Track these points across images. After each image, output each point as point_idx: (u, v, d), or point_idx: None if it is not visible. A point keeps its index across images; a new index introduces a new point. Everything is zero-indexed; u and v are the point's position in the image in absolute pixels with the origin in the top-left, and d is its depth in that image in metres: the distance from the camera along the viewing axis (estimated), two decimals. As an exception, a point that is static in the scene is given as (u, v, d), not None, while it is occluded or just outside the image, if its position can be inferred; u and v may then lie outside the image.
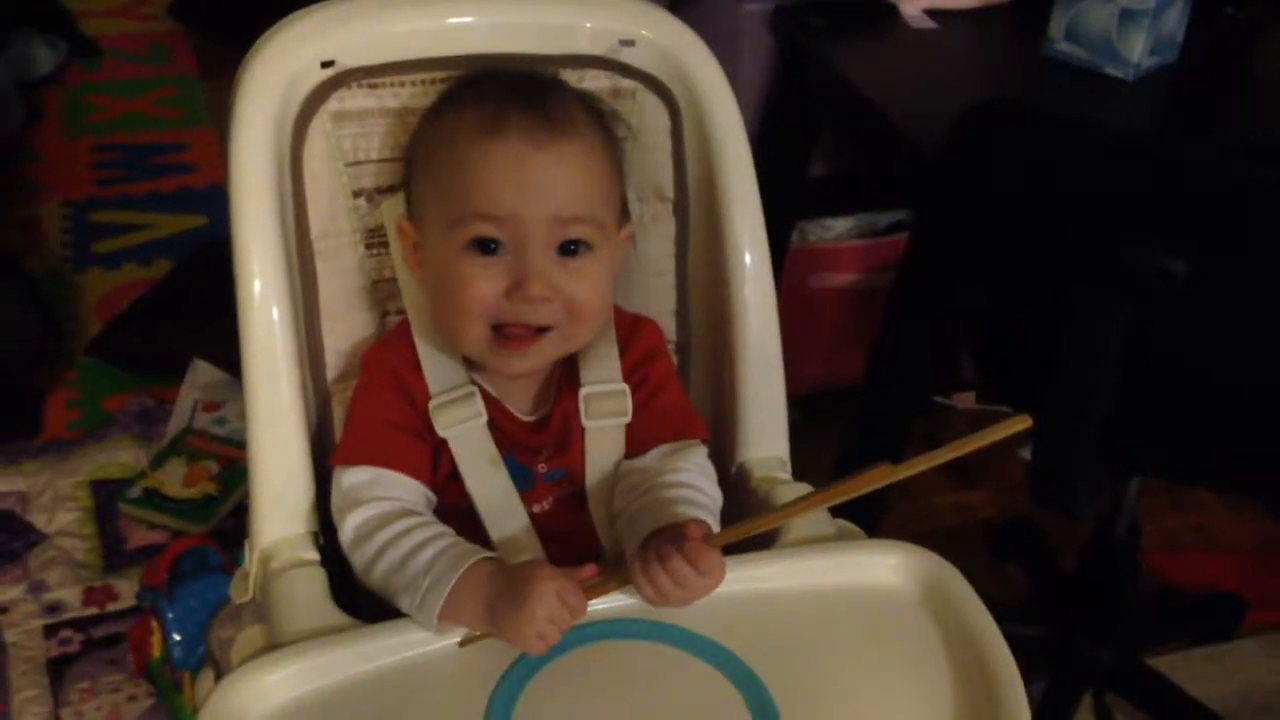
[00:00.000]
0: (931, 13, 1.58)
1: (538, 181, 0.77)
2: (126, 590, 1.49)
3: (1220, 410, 1.12)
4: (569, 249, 0.78)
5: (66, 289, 2.04)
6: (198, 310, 1.87)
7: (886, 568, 0.80)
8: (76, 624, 1.45)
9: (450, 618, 0.72)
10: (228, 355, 1.76)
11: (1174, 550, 1.66)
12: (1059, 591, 1.54)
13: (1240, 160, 1.11)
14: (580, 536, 0.84)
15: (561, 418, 0.85)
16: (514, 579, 0.71)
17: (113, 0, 3.04)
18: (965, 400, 1.92)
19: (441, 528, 0.78)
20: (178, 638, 1.30)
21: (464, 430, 0.82)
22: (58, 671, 1.39)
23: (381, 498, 0.78)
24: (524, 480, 0.83)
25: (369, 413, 0.83)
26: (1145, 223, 1.06)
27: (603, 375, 0.85)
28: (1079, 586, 1.48)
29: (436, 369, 0.83)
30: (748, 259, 0.92)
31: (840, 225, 1.75)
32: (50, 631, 1.44)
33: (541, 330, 0.80)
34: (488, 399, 0.83)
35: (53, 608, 1.47)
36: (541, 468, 0.84)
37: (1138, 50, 1.39)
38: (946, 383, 1.87)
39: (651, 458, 0.84)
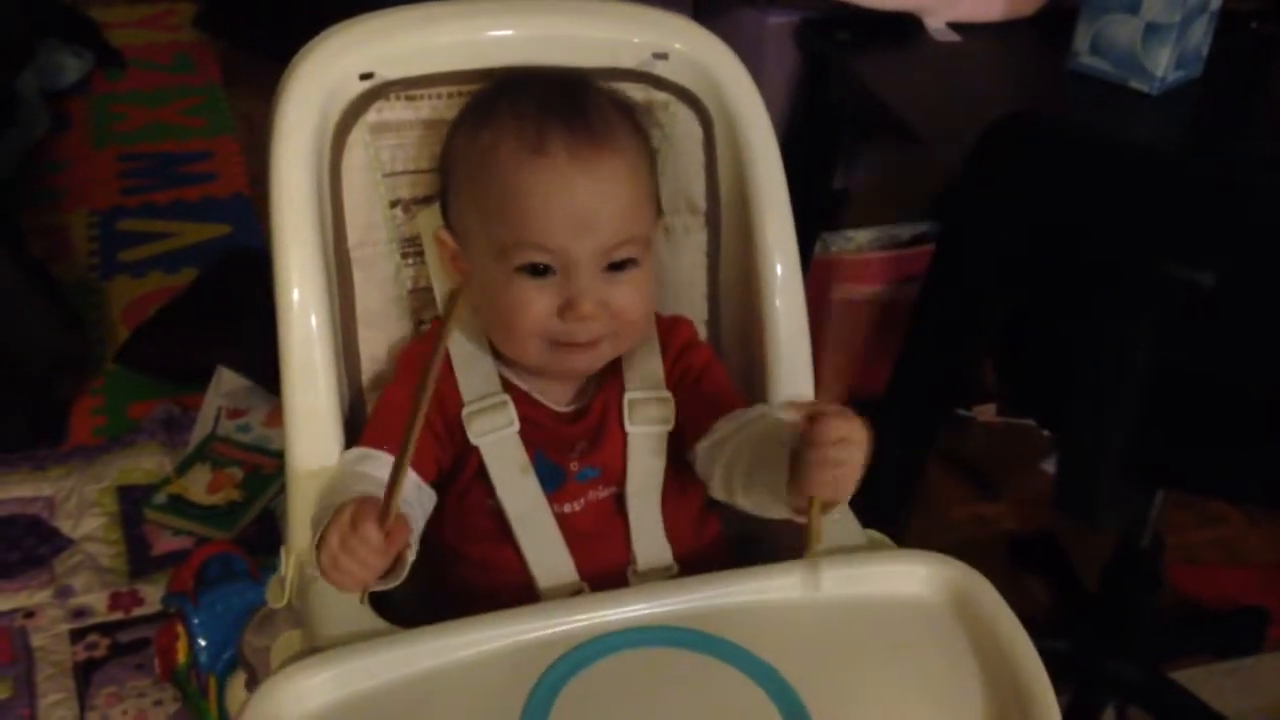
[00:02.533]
0: (956, 26, 1.59)
1: (586, 212, 0.78)
2: (152, 595, 1.50)
3: (1247, 423, 1.12)
4: (616, 266, 0.80)
5: (93, 296, 2.06)
6: (222, 318, 1.89)
7: (917, 578, 0.81)
8: (103, 628, 1.46)
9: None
10: (252, 363, 1.81)
11: (1196, 564, 1.66)
12: (1081, 605, 1.54)
13: (1266, 173, 1.11)
14: (611, 542, 0.84)
15: (599, 412, 0.85)
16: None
17: (139, 11, 3.07)
18: (985, 413, 1.92)
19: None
20: (203, 643, 1.31)
21: (496, 438, 0.83)
22: (84, 676, 1.40)
23: (357, 473, 0.79)
24: (555, 479, 0.84)
25: (390, 400, 0.85)
26: (1172, 236, 1.07)
27: (647, 380, 0.86)
28: (1101, 600, 1.48)
29: (470, 376, 0.84)
30: (779, 269, 0.92)
31: (862, 237, 1.76)
32: (77, 636, 1.45)
33: (593, 341, 0.82)
34: (522, 396, 0.84)
35: (79, 612, 1.48)
36: (574, 465, 0.85)
37: (1162, 64, 1.40)
38: (968, 395, 1.88)
39: (718, 425, 0.84)
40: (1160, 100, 1.41)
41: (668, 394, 0.86)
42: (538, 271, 0.79)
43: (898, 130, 1.41)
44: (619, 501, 0.85)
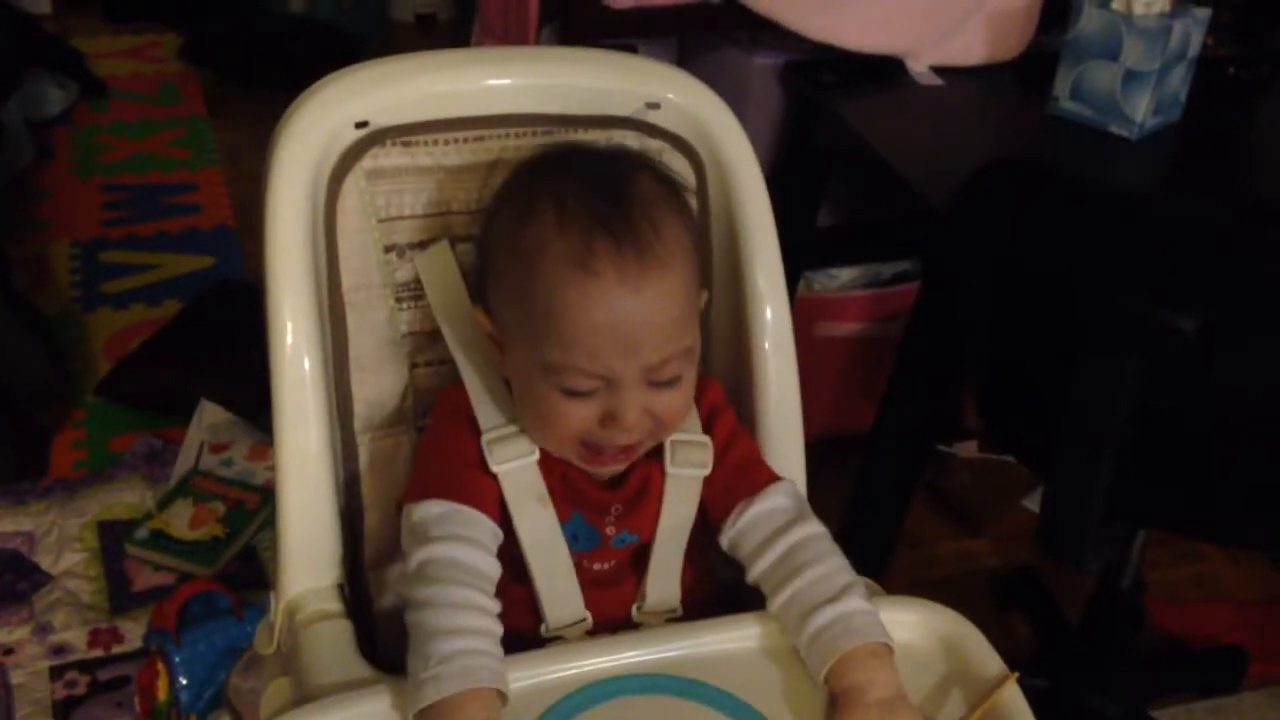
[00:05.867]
0: (938, 69, 1.61)
1: (633, 334, 0.76)
2: (133, 632, 1.49)
3: (1228, 465, 1.14)
4: (660, 383, 0.79)
5: (75, 328, 2.05)
6: (205, 351, 1.89)
7: (907, 625, 0.81)
8: (83, 665, 1.45)
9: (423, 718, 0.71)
10: (235, 396, 1.80)
11: (1176, 601, 1.67)
12: (1063, 642, 1.55)
13: (1245, 219, 1.13)
14: (625, 586, 0.85)
15: (641, 477, 0.85)
16: None
17: (123, 42, 3.07)
18: (967, 449, 1.93)
19: (486, 620, 0.76)
20: (185, 681, 1.30)
21: (515, 467, 0.82)
22: (64, 713, 1.39)
23: (454, 536, 0.78)
24: (591, 541, 0.84)
25: (442, 447, 0.83)
26: (1153, 279, 1.08)
27: (687, 425, 0.86)
28: (1083, 637, 1.49)
29: (486, 404, 0.84)
30: (769, 313, 0.93)
31: (846, 275, 1.77)
32: (56, 673, 1.44)
33: (632, 446, 0.82)
34: (559, 459, 0.84)
35: (59, 649, 1.47)
36: (610, 530, 0.84)
37: (1142, 109, 1.42)
38: (950, 431, 1.89)
39: (752, 518, 0.84)
40: (1140, 145, 1.44)
41: (706, 439, 0.86)
42: (582, 393, 0.78)
43: (882, 172, 1.42)
44: (644, 549, 0.85)
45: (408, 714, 0.72)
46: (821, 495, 0.91)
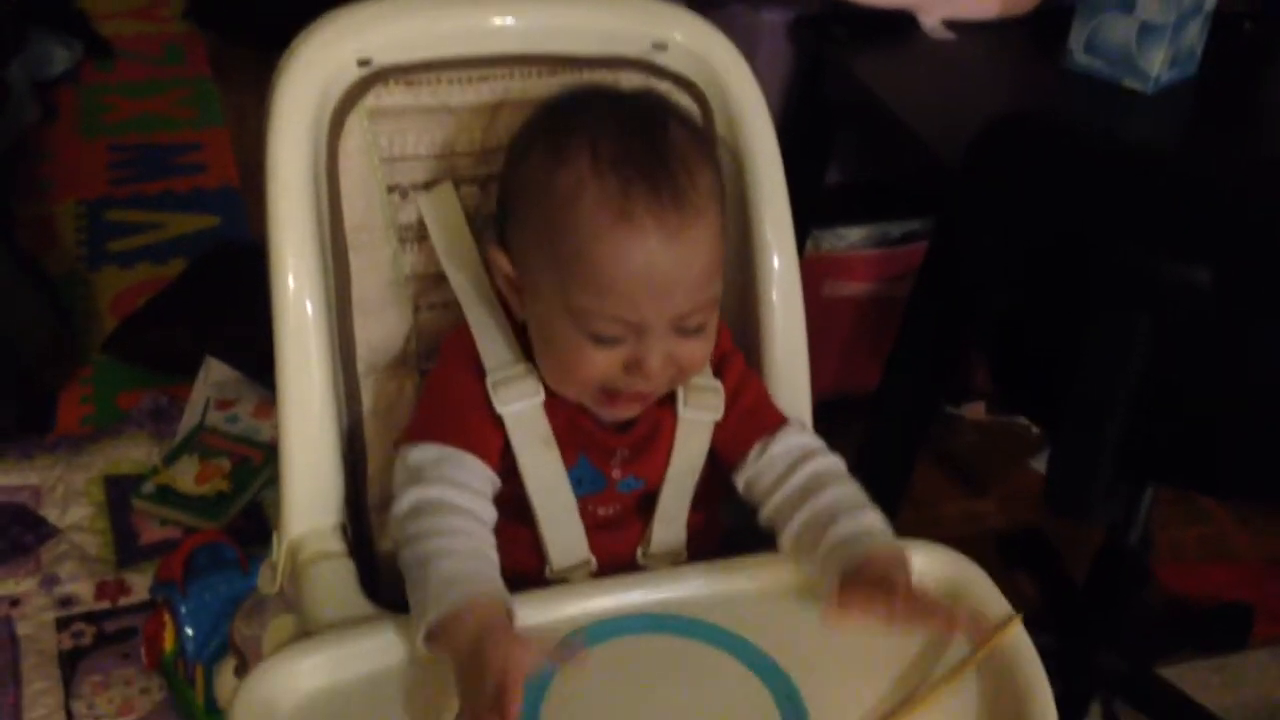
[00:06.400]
0: (950, 24, 1.59)
1: (668, 284, 0.76)
2: (139, 585, 1.49)
3: (1240, 420, 1.13)
4: (687, 330, 0.79)
5: (80, 287, 2.05)
6: (211, 309, 1.89)
7: (912, 567, 0.81)
8: (89, 617, 1.46)
9: (431, 643, 0.71)
10: (240, 354, 1.80)
11: (1183, 561, 1.67)
12: (1069, 600, 1.55)
13: (1259, 175, 1.12)
14: (630, 530, 0.85)
15: (651, 422, 0.84)
16: (479, 645, 0.68)
17: (129, 2, 3.05)
18: (974, 411, 1.92)
19: (482, 546, 0.76)
20: (191, 632, 1.30)
21: (521, 408, 0.81)
22: (70, 664, 1.40)
23: (446, 479, 0.78)
24: (596, 484, 0.84)
25: (445, 390, 0.83)
26: (1167, 233, 1.07)
27: (702, 371, 0.85)
28: (1089, 595, 1.48)
29: (490, 344, 0.83)
30: (776, 262, 0.93)
31: (854, 234, 1.76)
32: (62, 624, 1.44)
33: (653, 393, 0.82)
34: (567, 401, 0.83)
35: (66, 601, 1.48)
36: (616, 474, 0.84)
37: (1157, 63, 1.40)
38: (957, 393, 1.88)
39: (772, 454, 0.85)
40: (1155, 100, 1.42)
41: (718, 384, 0.86)
42: (610, 340, 0.77)
43: (892, 128, 1.41)
44: (650, 494, 0.85)
45: (415, 645, 0.71)
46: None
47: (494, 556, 0.76)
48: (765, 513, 0.84)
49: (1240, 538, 1.74)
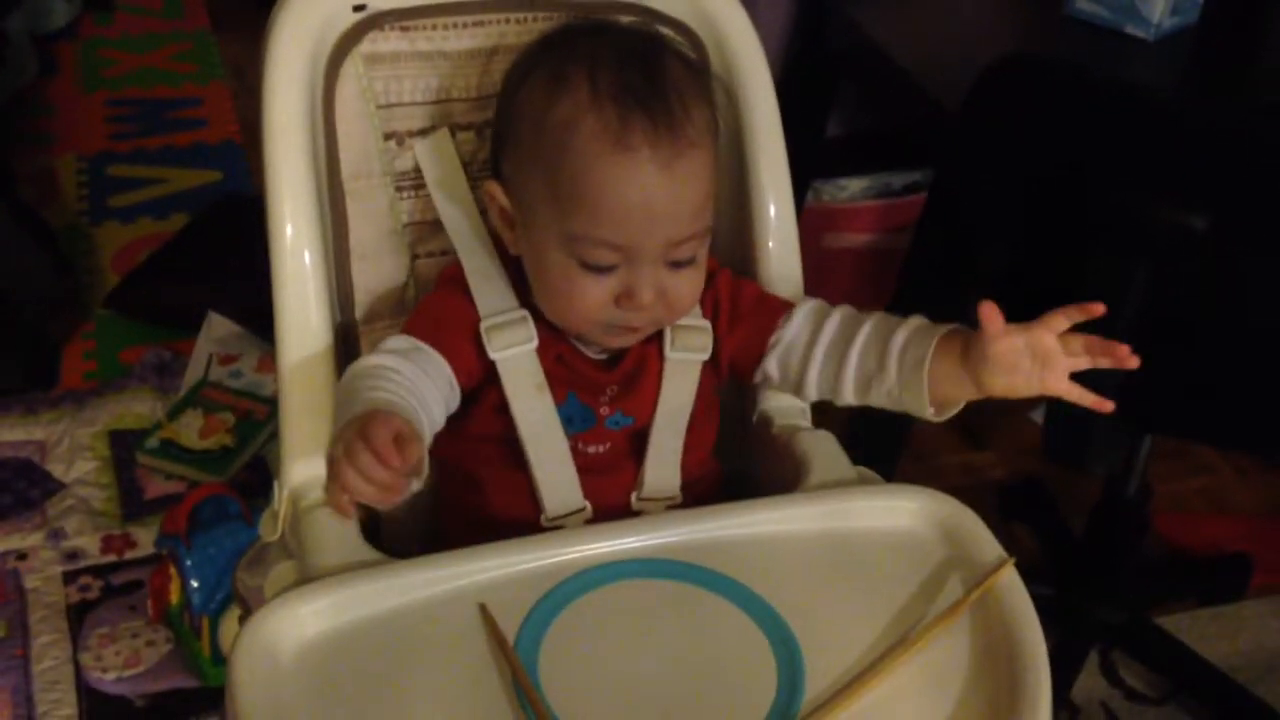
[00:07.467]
0: (953, -29, 1.58)
1: (661, 210, 0.77)
2: (145, 539, 1.50)
3: (1238, 368, 1.13)
4: (678, 264, 0.80)
5: (82, 242, 2.05)
6: (213, 264, 1.88)
7: (907, 512, 0.82)
8: (95, 571, 1.47)
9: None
10: (242, 308, 1.80)
11: (1182, 512, 1.67)
12: (1068, 551, 1.55)
13: (1260, 119, 1.11)
14: (624, 472, 0.85)
15: (636, 358, 0.85)
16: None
17: (127, -45, 3.02)
18: (976, 363, 1.92)
19: (415, 398, 0.76)
20: (196, 584, 1.31)
21: (514, 354, 0.82)
22: (77, 617, 1.41)
23: (408, 359, 0.78)
24: (585, 421, 0.84)
25: (433, 307, 0.84)
26: (1166, 179, 1.07)
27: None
28: (1088, 546, 1.49)
29: (486, 291, 0.84)
30: (772, 209, 0.92)
31: (855, 185, 1.75)
32: (70, 578, 1.46)
33: (644, 327, 0.83)
34: (556, 336, 0.84)
35: (72, 555, 1.49)
36: (604, 410, 0.85)
37: (1159, 10, 1.39)
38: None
39: (793, 332, 0.86)
40: (1156, 46, 1.41)
41: (706, 323, 0.87)
42: (602, 268, 0.78)
43: (894, 77, 1.40)
44: (640, 434, 0.85)
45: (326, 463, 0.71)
46: (827, 406, 0.90)
47: (433, 416, 0.76)
48: (810, 373, 0.85)
49: (1241, 491, 1.74)
